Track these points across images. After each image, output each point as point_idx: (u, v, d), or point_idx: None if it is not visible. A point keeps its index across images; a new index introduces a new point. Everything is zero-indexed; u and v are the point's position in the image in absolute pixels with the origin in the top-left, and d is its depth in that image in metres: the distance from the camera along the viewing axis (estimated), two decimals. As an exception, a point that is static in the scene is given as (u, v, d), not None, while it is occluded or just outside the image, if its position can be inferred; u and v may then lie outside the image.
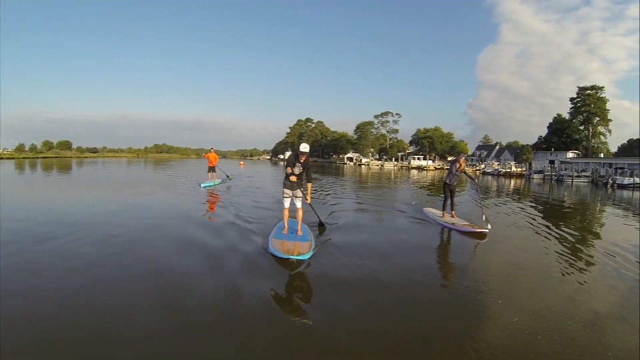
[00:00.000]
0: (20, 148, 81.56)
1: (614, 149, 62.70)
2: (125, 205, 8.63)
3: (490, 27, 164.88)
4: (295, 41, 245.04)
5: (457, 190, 7.85)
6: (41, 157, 67.24)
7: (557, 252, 5.48)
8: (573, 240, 6.47)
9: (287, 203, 5.41)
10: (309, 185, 5.41)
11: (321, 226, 6.10)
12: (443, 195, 7.76)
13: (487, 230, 6.34)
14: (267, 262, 4.34)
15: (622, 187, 24.17)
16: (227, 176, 16.00)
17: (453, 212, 7.46)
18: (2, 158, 60.53)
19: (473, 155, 68.72)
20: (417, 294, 3.56)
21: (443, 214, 7.49)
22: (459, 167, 7.39)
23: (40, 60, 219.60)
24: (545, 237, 6.63)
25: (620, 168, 30.06)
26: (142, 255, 4.53)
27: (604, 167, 32.91)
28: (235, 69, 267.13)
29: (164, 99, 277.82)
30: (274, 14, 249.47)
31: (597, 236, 7.31)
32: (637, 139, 53.53)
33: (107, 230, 5.73)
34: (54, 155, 77.32)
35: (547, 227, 7.68)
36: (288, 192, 5.35)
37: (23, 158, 62.26)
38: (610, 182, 25.51)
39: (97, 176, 20.02)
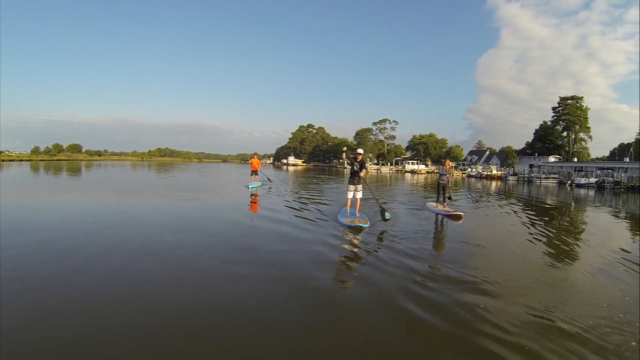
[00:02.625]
0: (35, 150, 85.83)
1: (606, 153, 65.73)
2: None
3: (490, 31, 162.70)
4: (291, 46, 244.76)
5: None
6: (55, 160, 70.54)
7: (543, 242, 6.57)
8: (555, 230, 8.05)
9: (350, 195, 7.62)
10: (364, 171, 7.54)
11: (383, 212, 7.36)
12: (437, 192, 10.25)
13: (462, 213, 8.84)
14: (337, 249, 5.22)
15: (579, 186, 29.10)
16: (268, 179, 18.76)
17: (445, 203, 9.93)
18: (21, 160, 64.25)
19: (465, 160, 72.73)
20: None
21: (437, 205, 9.96)
22: (446, 169, 10.03)
23: (36, 62, 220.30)
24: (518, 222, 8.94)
25: (580, 170, 34.91)
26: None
27: (575, 170, 37.53)
28: (232, 73, 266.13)
29: (161, 102, 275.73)
30: (269, 18, 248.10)
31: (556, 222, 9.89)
32: (628, 143, 55.45)
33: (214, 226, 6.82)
34: (67, 158, 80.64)
35: (516, 213, 10.54)
36: (352, 187, 7.59)
37: (40, 160, 65.42)
38: (569, 182, 30.19)
39: (144, 181, 20.42)
